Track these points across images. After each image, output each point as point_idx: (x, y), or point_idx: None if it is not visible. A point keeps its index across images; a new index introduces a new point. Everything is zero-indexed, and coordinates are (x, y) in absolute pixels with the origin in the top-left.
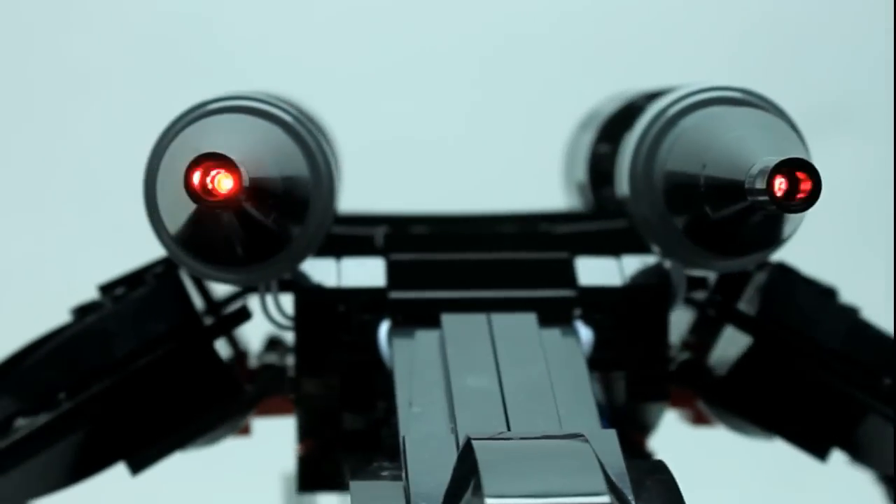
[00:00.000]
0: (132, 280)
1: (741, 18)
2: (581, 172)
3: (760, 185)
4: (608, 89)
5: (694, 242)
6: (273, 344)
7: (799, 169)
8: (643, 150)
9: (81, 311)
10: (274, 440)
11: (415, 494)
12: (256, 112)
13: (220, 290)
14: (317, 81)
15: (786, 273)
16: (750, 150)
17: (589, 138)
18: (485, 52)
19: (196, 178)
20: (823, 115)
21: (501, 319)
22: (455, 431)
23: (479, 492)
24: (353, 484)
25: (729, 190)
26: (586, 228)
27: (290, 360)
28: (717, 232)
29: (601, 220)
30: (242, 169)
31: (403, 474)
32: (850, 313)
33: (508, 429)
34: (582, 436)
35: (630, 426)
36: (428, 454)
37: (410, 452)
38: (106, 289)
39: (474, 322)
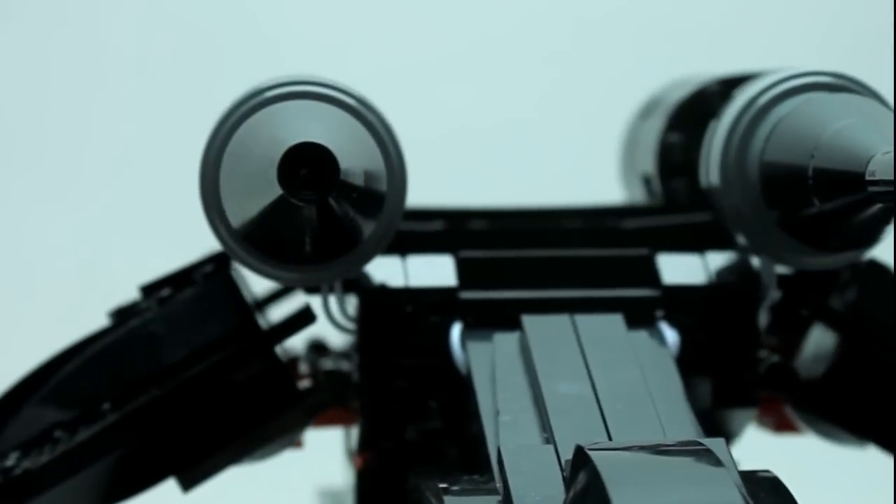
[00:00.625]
0: (178, 280)
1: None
2: (648, 163)
3: (888, 175)
4: (665, 76)
5: (790, 235)
6: (318, 348)
7: None
8: (735, 139)
9: (121, 314)
10: (307, 452)
11: None
12: (329, 99)
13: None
14: (370, 69)
15: (878, 270)
16: (865, 138)
17: (657, 126)
18: (543, 40)
19: (292, 168)
20: None
21: (587, 321)
22: (553, 441)
23: None
24: (447, 499)
25: (844, 181)
26: (661, 223)
27: (344, 365)
28: (820, 225)
29: (677, 214)
30: (341, 159)
31: (501, 487)
32: None
33: (609, 438)
34: (699, 444)
35: (712, 434)
36: (527, 466)
37: (509, 464)
38: (149, 290)
39: (558, 324)
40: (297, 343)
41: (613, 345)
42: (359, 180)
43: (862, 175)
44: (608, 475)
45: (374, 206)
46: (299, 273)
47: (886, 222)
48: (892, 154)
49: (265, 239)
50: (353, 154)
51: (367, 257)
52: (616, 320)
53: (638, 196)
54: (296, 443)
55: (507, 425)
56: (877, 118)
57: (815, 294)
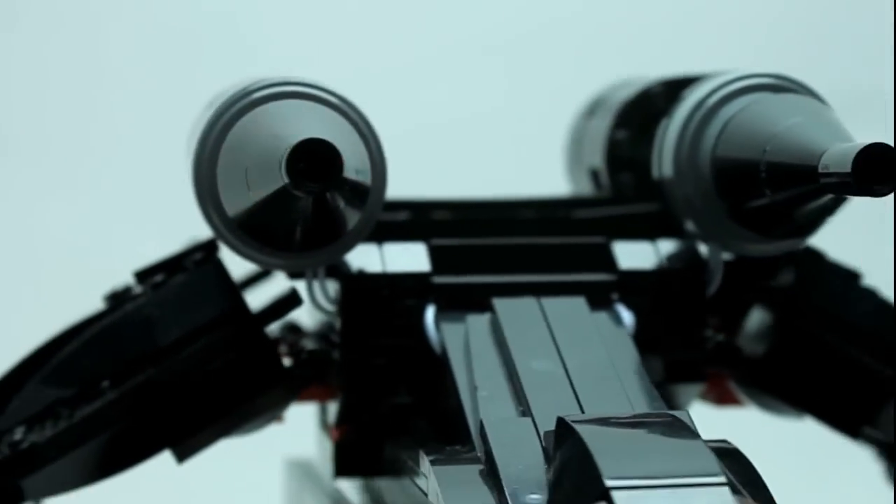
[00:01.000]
0: (170, 266)
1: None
2: (595, 158)
3: (841, 168)
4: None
5: (738, 224)
6: (294, 330)
7: (880, 154)
8: (688, 136)
9: (115, 298)
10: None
11: (505, 477)
12: (319, 100)
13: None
14: (349, 72)
15: (813, 256)
16: (815, 135)
17: (603, 124)
18: (498, 48)
19: (299, 162)
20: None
21: (552, 303)
22: (530, 414)
23: (591, 475)
24: (435, 469)
25: (798, 173)
26: (611, 213)
27: (321, 345)
28: (768, 215)
29: (626, 205)
30: (344, 155)
31: (483, 457)
32: (872, 294)
33: (582, 411)
34: (672, 415)
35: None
36: (508, 437)
37: (492, 436)
38: (142, 275)
39: (526, 306)
40: (272, 326)
41: (579, 325)
42: (351, 175)
43: (815, 168)
44: (594, 445)
45: (360, 199)
46: (287, 260)
47: (831, 213)
48: (843, 148)
49: (259, 228)
50: (346, 150)
51: (350, 246)
52: (580, 303)
53: (584, 188)
54: (278, 417)
55: (485, 400)
56: (822, 116)
57: (757, 278)
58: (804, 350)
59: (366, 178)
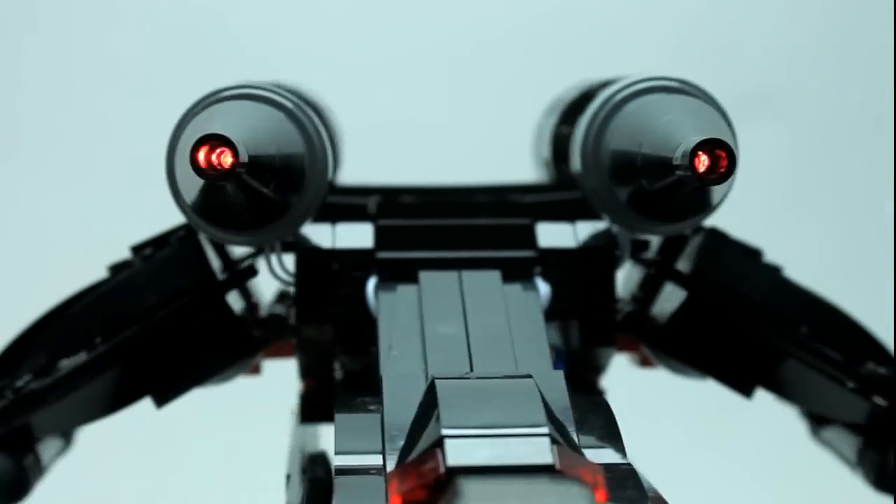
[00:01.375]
0: (159, 242)
1: (679, 16)
2: (546, 151)
3: (684, 161)
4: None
5: (636, 211)
6: (282, 297)
7: (718, 147)
8: (592, 132)
9: (115, 269)
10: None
11: (389, 425)
12: (259, 98)
13: (239, 251)
14: (326, 72)
15: (716, 235)
16: (679, 131)
17: (552, 121)
18: (464, 49)
19: (201, 155)
20: (751, 103)
21: (470, 276)
22: (426, 372)
23: (438, 423)
24: (337, 416)
25: (660, 166)
26: (548, 198)
27: (278, 309)
28: (654, 202)
29: (560, 192)
30: (240, 147)
31: (381, 408)
32: (773, 271)
33: (472, 370)
34: (529, 376)
35: (585, 368)
36: (401, 391)
37: (387, 389)
38: (137, 249)
39: (447, 278)
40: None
41: (488, 295)
42: (272, 161)
43: (671, 160)
44: (444, 399)
45: (295, 182)
46: (242, 237)
47: (707, 195)
48: (693, 142)
49: (209, 211)
50: (268, 140)
51: (296, 224)
52: (494, 275)
53: (543, 177)
54: (252, 369)
55: (395, 359)
56: (701, 115)
57: (663, 256)
58: (702, 320)
59: (298, 165)
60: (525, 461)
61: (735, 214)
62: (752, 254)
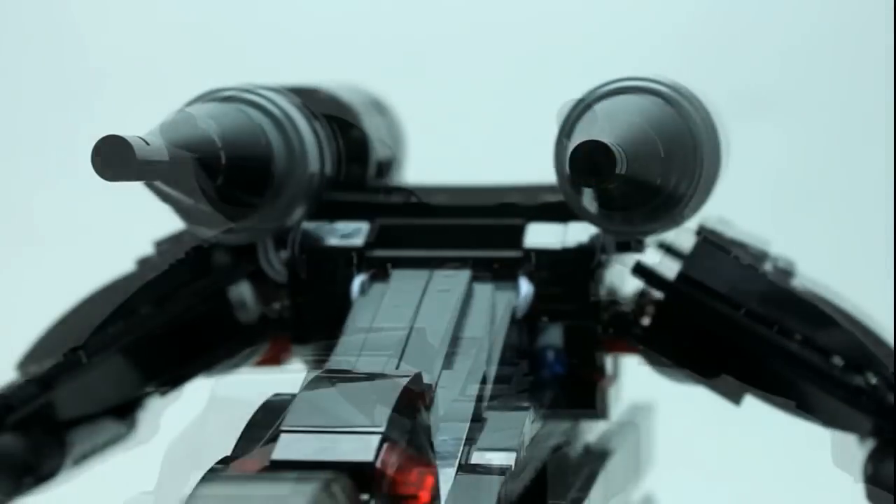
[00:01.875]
0: (177, 238)
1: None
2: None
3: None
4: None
5: (601, 214)
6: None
7: (590, 150)
8: (563, 134)
9: (141, 263)
10: None
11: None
12: (226, 98)
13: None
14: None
15: (706, 239)
16: (586, 137)
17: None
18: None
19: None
20: (747, 103)
21: (440, 275)
22: (353, 367)
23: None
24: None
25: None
26: (544, 200)
27: (276, 306)
28: (610, 205)
29: (554, 193)
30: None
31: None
32: (766, 277)
33: (397, 367)
34: (411, 376)
35: (585, 368)
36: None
37: (307, 379)
38: (158, 244)
39: (416, 277)
40: None
41: (447, 295)
42: (244, 164)
43: None
44: (303, 396)
45: (264, 180)
46: (236, 232)
47: (650, 197)
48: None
49: (176, 207)
50: (244, 141)
51: (273, 221)
52: (463, 275)
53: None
54: (263, 361)
55: (336, 355)
56: (653, 116)
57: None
58: (683, 323)
59: (266, 162)
60: (345, 458)
61: (736, 215)
62: (750, 257)
